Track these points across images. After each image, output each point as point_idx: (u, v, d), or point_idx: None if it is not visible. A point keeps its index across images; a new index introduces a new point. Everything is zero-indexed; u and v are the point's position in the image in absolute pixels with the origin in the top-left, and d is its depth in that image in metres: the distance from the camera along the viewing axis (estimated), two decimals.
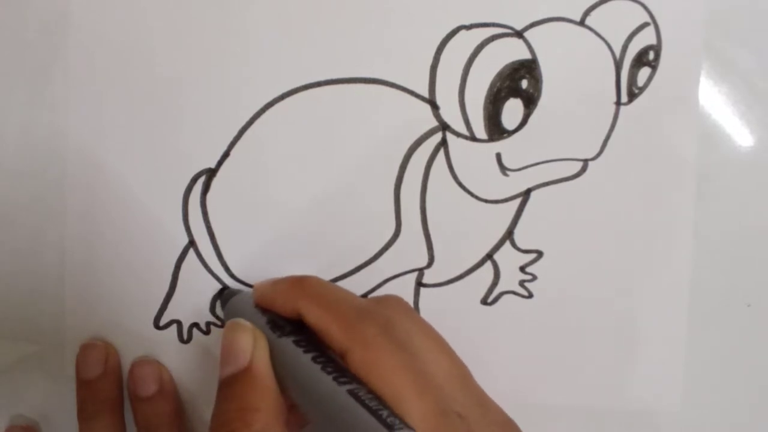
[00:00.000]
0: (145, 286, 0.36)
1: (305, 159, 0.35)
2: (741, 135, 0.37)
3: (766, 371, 0.38)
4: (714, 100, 0.36)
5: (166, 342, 0.36)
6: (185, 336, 0.36)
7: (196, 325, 0.36)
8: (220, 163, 0.35)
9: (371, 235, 0.36)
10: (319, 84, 0.35)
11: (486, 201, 0.36)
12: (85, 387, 0.35)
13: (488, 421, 0.29)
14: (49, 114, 0.35)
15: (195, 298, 0.36)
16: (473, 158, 0.35)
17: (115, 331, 0.36)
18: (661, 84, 0.36)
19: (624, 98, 0.36)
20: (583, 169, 0.36)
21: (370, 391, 0.26)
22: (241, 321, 0.30)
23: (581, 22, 0.35)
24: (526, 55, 0.35)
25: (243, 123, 0.35)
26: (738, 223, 0.37)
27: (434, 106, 0.35)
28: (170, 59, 0.35)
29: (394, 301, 0.32)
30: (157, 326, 0.36)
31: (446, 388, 0.28)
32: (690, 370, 0.37)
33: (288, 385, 0.29)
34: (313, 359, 0.28)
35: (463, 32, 0.35)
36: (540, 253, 0.37)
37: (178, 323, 0.36)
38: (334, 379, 0.27)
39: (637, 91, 0.36)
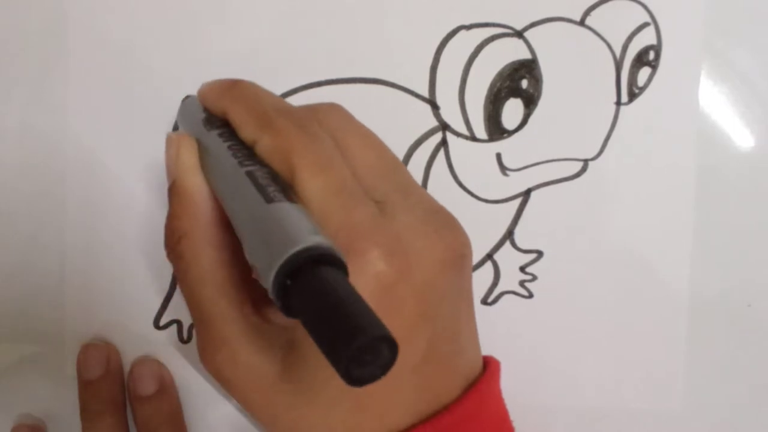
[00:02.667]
0: (145, 286, 0.36)
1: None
2: (741, 135, 0.37)
3: (766, 371, 0.38)
4: (714, 100, 0.36)
5: (166, 342, 0.36)
6: (185, 336, 0.36)
7: None
8: None
9: None
10: (319, 84, 0.35)
11: (486, 201, 0.36)
12: (87, 387, 0.35)
13: (409, 204, 0.27)
14: (49, 114, 0.35)
15: None
16: (473, 158, 0.35)
17: (115, 331, 0.36)
18: (661, 84, 0.36)
19: (624, 98, 0.36)
20: (583, 169, 0.36)
21: (271, 174, 0.26)
22: (170, 133, 0.30)
23: (581, 22, 0.35)
24: (527, 55, 0.35)
25: None
26: (738, 223, 0.37)
27: (434, 106, 0.35)
28: (170, 59, 0.35)
29: (328, 104, 0.30)
30: (157, 326, 0.36)
31: (363, 178, 0.27)
32: (690, 370, 0.37)
33: (212, 179, 0.28)
34: (229, 147, 0.27)
35: (463, 32, 0.35)
36: (540, 253, 0.37)
37: (178, 323, 0.36)
38: (239, 162, 0.26)
39: (637, 91, 0.36)
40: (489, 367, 0.30)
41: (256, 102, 0.28)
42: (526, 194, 0.36)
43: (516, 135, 0.35)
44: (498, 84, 0.35)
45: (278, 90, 0.35)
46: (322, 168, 0.26)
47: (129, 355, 0.36)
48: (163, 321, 0.36)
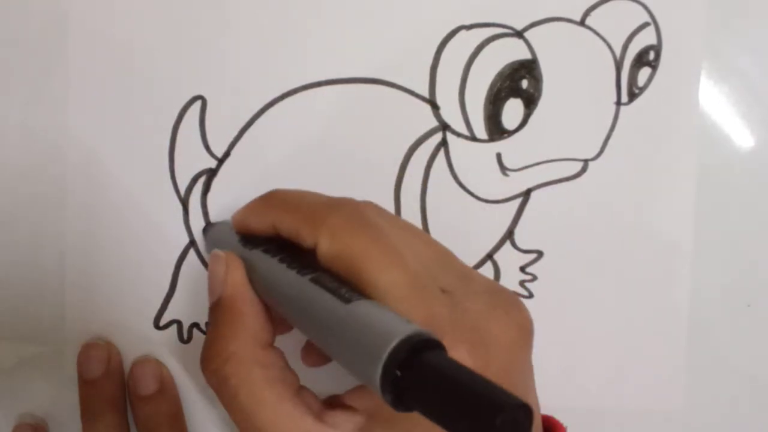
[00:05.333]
0: (145, 286, 0.36)
1: (305, 159, 0.35)
2: (741, 135, 0.37)
3: (766, 371, 0.38)
4: (714, 100, 0.36)
5: (166, 342, 0.36)
6: (185, 336, 0.36)
7: (196, 325, 0.36)
8: (220, 163, 0.35)
9: None
10: (319, 84, 0.35)
11: (486, 201, 0.36)
12: (88, 386, 0.35)
13: (473, 290, 0.28)
14: (49, 114, 0.35)
15: (195, 298, 0.36)
16: (473, 158, 0.35)
17: (115, 331, 0.36)
18: (661, 84, 0.36)
19: (624, 98, 0.36)
20: (584, 170, 0.36)
21: (334, 276, 0.26)
22: (216, 251, 0.30)
23: (581, 22, 0.35)
24: (527, 55, 0.35)
25: (243, 123, 0.35)
26: (738, 223, 0.37)
27: (434, 106, 0.35)
28: (170, 59, 0.35)
29: (364, 201, 0.30)
30: (157, 326, 0.36)
31: (423, 268, 0.27)
32: (690, 370, 0.37)
33: (265, 294, 0.29)
34: (280, 260, 0.28)
35: (463, 32, 0.35)
36: (540, 253, 0.37)
37: (178, 323, 0.36)
38: (298, 272, 0.27)
39: (637, 91, 0.36)
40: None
41: (303, 205, 0.29)
42: (527, 194, 0.36)
43: (516, 135, 0.35)
44: (498, 84, 0.35)
45: (278, 90, 0.35)
46: (393, 262, 0.26)
47: (129, 355, 0.36)
48: (163, 321, 0.36)
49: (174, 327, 0.36)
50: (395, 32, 0.35)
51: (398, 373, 0.21)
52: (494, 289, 0.29)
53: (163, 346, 0.36)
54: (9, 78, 0.35)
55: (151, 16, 0.35)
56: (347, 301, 0.24)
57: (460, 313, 0.26)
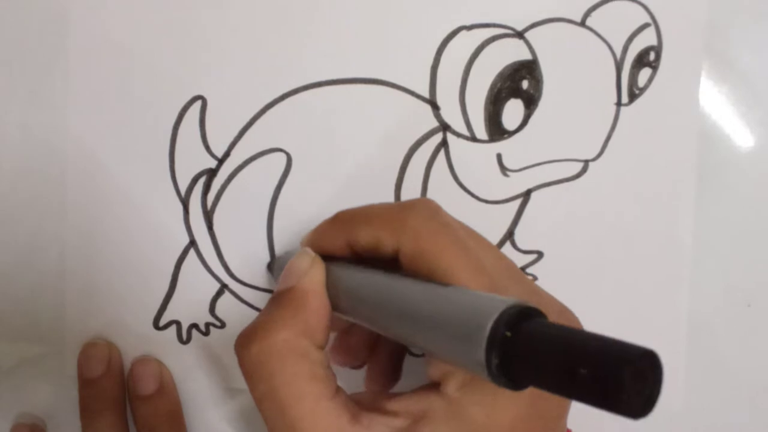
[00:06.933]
0: (145, 286, 0.36)
1: (305, 159, 0.35)
2: (741, 135, 0.37)
3: (766, 371, 0.38)
4: (714, 100, 0.36)
5: (166, 342, 0.36)
6: (185, 336, 0.36)
7: (195, 325, 0.36)
8: (220, 163, 0.35)
9: None
10: (319, 84, 0.35)
11: (486, 201, 0.36)
12: (88, 386, 0.35)
13: (542, 308, 0.28)
14: (49, 114, 0.35)
15: (195, 298, 0.36)
16: (474, 159, 0.35)
17: (114, 332, 0.36)
18: (661, 85, 0.36)
19: (624, 99, 0.36)
20: (584, 170, 0.36)
21: (423, 275, 0.26)
22: (306, 248, 0.30)
23: (582, 23, 0.35)
24: (527, 55, 0.35)
25: (244, 123, 0.35)
26: (738, 223, 0.37)
27: (435, 107, 0.35)
28: (170, 59, 0.35)
29: (427, 198, 0.31)
30: (157, 326, 0.36)
31: (497, 276, 0.27)
32: (690, 370, 0.37)
33: (345, 300, 0.28)
34: (363, 267, 0.28)
35: (463, 33, 0.35)
36: (540, 254, 0.37)
37: (178, 324, 0.36)
38: (385, 273, 0.27)
39: (637, 92, 0.36)
40: None
41: (377, 214, 0.29)
42: (527, 195, 0.36)
43: (516, 135, 0.35)
44: (498, 84, 0.35)
45: (278, 90, 0.35)
46: (477, 267, 0.26)
47: (129, 355, 0.36)
48: (162, 321, 0.36)
49: (174, 327, 0.36)
50: (396, 32, 0.35)
51: (508, 333, 0.20)
52: (560, 308, 0.29)
53: (163, 347, 0.36)
54: (9, 78, 0.35)
55: (151, 16, 0.35)
56: (445, 285, 0.24)
57: None
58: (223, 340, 0.36)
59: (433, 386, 0.27)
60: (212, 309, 0.36)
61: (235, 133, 0.35)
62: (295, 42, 0.35)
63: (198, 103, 0.35)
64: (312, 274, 0.29)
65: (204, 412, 0.37)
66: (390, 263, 0.28)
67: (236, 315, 0.36)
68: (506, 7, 0.35)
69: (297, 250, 0.33)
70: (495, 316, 0.20)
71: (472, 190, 0.36)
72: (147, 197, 0.35)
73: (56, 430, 0.37)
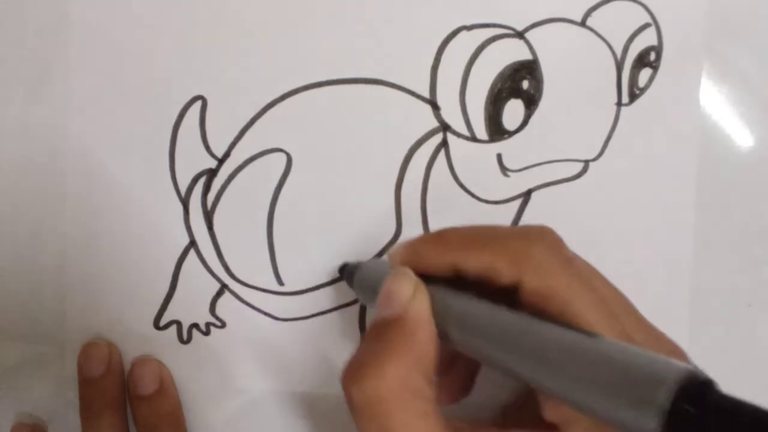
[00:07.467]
0: (145, 286, 0.36)
1: (305, 159, 0.35)
2: (741, 135, 0.37)
3: (767, 371, 0.38)
4: (714, 100, 0.36)
5: (166, 342, 0.36)
6: (185, 336, 0.36)
7: (195, 325, 0.36)
8: (220, 163, 0.35)
9: (372, 235, 0.36)
10: (319, 84, 0.35)
11: (487, 202, 0.36)
12: (88, 386, 0.35)
13: (653, 343, 0.27)
14: (49, 113, 0.35)
15: (195, 298, 0.36)
16: (474, 159, 0.35)
17: (115, 332, 0.36)
18: (662, 85, 0.36)
19: (625, 99, 0.36)
20: (584, 170, 0.36)
21: (548, 315, 0.25)
22: (406, 269, 0.28)
23: (582, 23, 0.35)
24: (527, 55, 0.35)
25: (244, 123, 0.35)
26: (738, 223, 0.37)
27: (435, 107, 0.35)
28: (170, 59, 0.35)
29: (548, 227, 0.28)
30: (157, 326, 0.36)
31: (625, 321, 0.26)
32: None
33: (453, 332, 0.27)
34: (476, 296, 0.26)
35: (464, 33, 0.35)
36: None
37: (178, 323, 0.36)
38: (509, 309, 0.25)
39: (638, 92, 0.36)
40: None
41: (494, 239, 0.27)
42: (527, 195, 0.36)
43: (517, 136, 0.35)
44: (499, 85, 0.35)
45: (278, 90, 0.35)
46: (609, 317, 0.25)
47: (129, 355, 0.36)
48: (163, 321, 0.36)
49: (174, 327, 0.36)
50: (396, 32, 0.35)
51: (688, 408, 0.19)
52: (677, 351, 0.28)
53: (163, 347, 0.36)
54: (9, 78, 0.35)
55: (151, 16, 0.35)
56: (590, 335, 0.23)
57: None
58: (223, 340, 0.36)
59: (550, 427, 0.26)
60: (212, 309, 0.36)
61: (235, 133, 0.35)
62: (295, 42, 0.35)
63: (198, 103, 0.35)
64: (418, 302, 0.27)
65: (204, 412, 0.37)
66: (500, 293, 0.26)
67: (237, 315, 0.36)
68: (506, 7, 0.35)
69: (379, 260, 0.32)
70: (672, 386, 0.19)
71: (472, 190, 0.36)
72: (147, 197, 0.35)
73: (56, 430, 0.37)
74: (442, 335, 0.27)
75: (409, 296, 0.27)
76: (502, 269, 0.26)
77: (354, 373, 0.26)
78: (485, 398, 0.32)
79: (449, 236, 0.28)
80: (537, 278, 0.25)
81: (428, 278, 0.28)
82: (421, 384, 0.26)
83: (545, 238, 0.27)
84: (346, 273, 0.34)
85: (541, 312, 0.25)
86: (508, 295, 0.26)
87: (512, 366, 0.25)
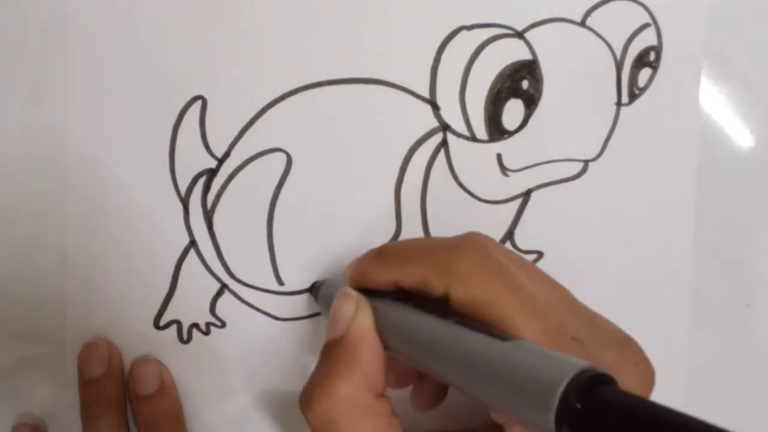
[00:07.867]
0: (145, 286, 0.36)
1: (305, 159, 0.35)
2: (741, 135, 0.37)
3: (767, 371, 0.38)
4: (714, 100, 0.36)
5: (166, 342, 0.36)
6: (185, 336, 0.36)
7: (195, 325, 0.36)
8: (220, 163, 0.35)
9: (372, 235, 0.36)
10: (319, 84, 0.35)
11: (486, 201, 0.36)
12: (88, 386, 0.35)
13: (604, 341, 0.27)
14: (49, 114, 0.35)
15: (195, 298, 0.36)
16: (474, 159, 0.35)
17: (115, 332, 0.36)
18: (661, 85, 0.36)
19: (625, 99, 0.36)
20: (584, 170, 0.36)
21: (476, 321, 0.25)
22: (348, 289, 0.29)
23: (582, 23, 0.35)
24: (527, 55, 0.35)
25: (244, 123, 0.35)
26: (738, 223, 0.37)
27: (435, 107, 0.35)
28: (170, 59, 0.35)
29: (476, 234, 0.29)
30: (157, 326, 0.36)
31: (555, 316, 0.26)
32: (690, 370, 0.37)
33: (396, 343, 0.28)
34: (414, 307, 0.27)
35: (464, 33, 0.35)
36: (540, 254, 0.37)
37: (178, 323, 0.36)
38: (438, 317, 0.26)
39: (637, 92, 0.36)
40: None
41: (426, 253, 0.28)
42: (527, 195, 0.36)
43: (516, 135, 0.35)
44: (499, 84, 0.35)
45: (278, 90, 0.35)
46: (531, 311, 0.25)
47: (129, 355, 0.36)
48: (163, 321, 0.36)
49: (174, 327, 0.36)
50: (396, 32, 0.35)
51: (578, 406, 0.20)
52: (622, 338, 0.28)
53: (163, 346, 0.36)
54: (9, 78, 0.35)
55: (151, 16, 0.35)
56: (504, 339, 0.23)
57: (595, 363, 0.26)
58: (223, 339, 0.36)
59: (497, 428, 0.26)
60: (212, 309, 0.36)
61: (235, 133, 0.35)
62: (295, 42, 0.35)
63: (198, 103, 0.35)
64: (360, 320, 0.28)
65: (204, 412, 0.37)
66: (440, 302, 0.27)
67: (237, 315, 0.36)
68: (506, 7, 0.35)
69: (340, 278, 0.32)
70: (563, 385, 0.20)
71: (472, 190, 0.36)
72: (147, 197, 0.35)
73: (56, 430, 0.37)
74: (386, 346, 0.28)
75: (350, 315, 0.28)
76: (433, 281, 0.27)
77: (308, 396, 0.27)
78: (461, 405, 0.32)
79: (387, 253, 0.30)
80: (461, 288, 0.26)
81: (378, 293, 0.29)
82: (370, 400, 0.27)
83: (471, 246, 0.27)
84: (314, 290, 0.35)
85: (470, 319, 0.26)
86: (448, 306, 0.27)
87: (442, 373, 0.25)
